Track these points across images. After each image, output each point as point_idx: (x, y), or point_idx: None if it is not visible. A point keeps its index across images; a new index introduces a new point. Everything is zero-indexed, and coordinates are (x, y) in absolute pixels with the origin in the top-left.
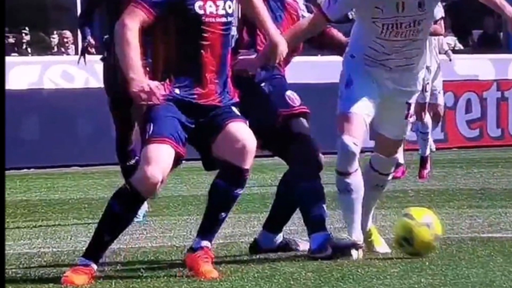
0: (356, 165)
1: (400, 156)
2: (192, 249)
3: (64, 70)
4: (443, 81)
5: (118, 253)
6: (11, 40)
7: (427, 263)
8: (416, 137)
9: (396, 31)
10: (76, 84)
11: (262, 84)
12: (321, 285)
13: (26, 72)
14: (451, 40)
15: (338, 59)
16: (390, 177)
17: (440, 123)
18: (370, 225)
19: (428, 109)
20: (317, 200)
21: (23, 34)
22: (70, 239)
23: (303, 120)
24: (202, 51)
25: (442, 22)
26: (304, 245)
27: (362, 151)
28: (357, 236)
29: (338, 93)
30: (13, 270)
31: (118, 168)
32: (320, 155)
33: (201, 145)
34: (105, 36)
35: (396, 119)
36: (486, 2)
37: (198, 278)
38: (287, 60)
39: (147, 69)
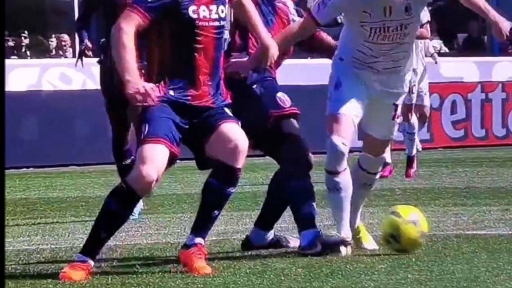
0: (344, 164)
1: (387, 155)
2: (186, 246)
3: (62, 73)
4: (429, 83)
5: (114, 250)
6: (11, 43)
7: (413, 259)
8: (403, 137)
9: (383, 34)
10: (74, 86)
11: (254, 86)
12: (311, 280)
13: (25, 74)
14: (437, 43)
15: (327, 61)
16: (377, 176)
17: (426, 124)
18: (358, 222)
19: (415, 110)
20: (307, 198)
21: (22, 38)
22: (68, 236)
23: (294, 121)
24: (195, 54)
25: (428, 26)
26: (294, 242)
27: (350, 151)
28: (346, 233)
29: (327, 95)
30: (13, 266)
31: (114, 167)
32: (310, 154)
33: (195, 145)
34: (102, 40)
35: (384, 120)
36: (471, 7)
37: (192, 274)
38: (278, 63)
39: (143, 71)
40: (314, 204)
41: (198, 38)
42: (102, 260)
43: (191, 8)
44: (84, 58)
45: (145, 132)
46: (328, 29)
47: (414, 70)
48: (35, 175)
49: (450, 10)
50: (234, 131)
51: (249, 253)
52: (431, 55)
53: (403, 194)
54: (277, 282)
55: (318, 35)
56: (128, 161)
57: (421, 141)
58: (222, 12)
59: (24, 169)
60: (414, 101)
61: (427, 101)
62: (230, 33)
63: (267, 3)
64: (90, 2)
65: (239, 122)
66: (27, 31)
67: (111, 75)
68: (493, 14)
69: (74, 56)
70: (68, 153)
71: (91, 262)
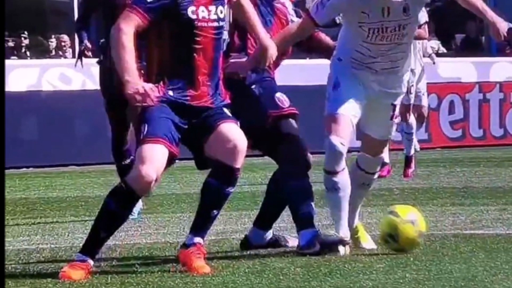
0: (343, 164)
1: (385, 155)
2: (185, 245)
3: (61, 73)
4: (427, 83)
5: (113, 249)
6: (11, 44)
7: (411, 259)
8: (401, 137)
9: (381, 35)
10: (73, 86)
11: (253, 86)
12: (309, 280)
13: (25, 75)
14: (435, 43)
15: (325, 62)
16: (376, 176)
17: (424, 124)
18: (356, 222)
19: (413, 110)
20: (305, 198)
21: (22, 38)
22: (68, 235)
23: (292, 121)
24: (194, 54)
25: (426, 26)
26: (293, 242)
27: (349, 151)
28: (344, 232)
29: (325, 95)
30: (13, 265)
31: (114, 167)
32: (309, 154)
33: (194, 145)
34: (101, 40)
35: (382, 120)
36: (469, 7)
37: (191, 273)
38: (276, 63)
39: (142, 71)
40: (312, 203)
41: (197, 39)
42: (101, 260)
43: (190, 9)
44: (83, 59)
45: (145, 132)
46: (327, 30)
47: (412, 71)
48: (35, 175)
49: (448, 10)
50: (233, 131)
51: (248, 252)
52: (429, 56)
53: (401, 194)
54: (276, 282)
55: (316, 35)
56: (128, 161)
57: (419, 141)
58: (221, 12)
59: (24, 169)
60: (412, 101)
61: (425, 101)
62: (229, 34)
63: (265, 3)
64: (89, 2)
65: (238, 122)
66: (27, 32)
67: (111, 76)
68: (491, 14)
69: (73, 56)
70: (67, 153)
71: (91, 262)
